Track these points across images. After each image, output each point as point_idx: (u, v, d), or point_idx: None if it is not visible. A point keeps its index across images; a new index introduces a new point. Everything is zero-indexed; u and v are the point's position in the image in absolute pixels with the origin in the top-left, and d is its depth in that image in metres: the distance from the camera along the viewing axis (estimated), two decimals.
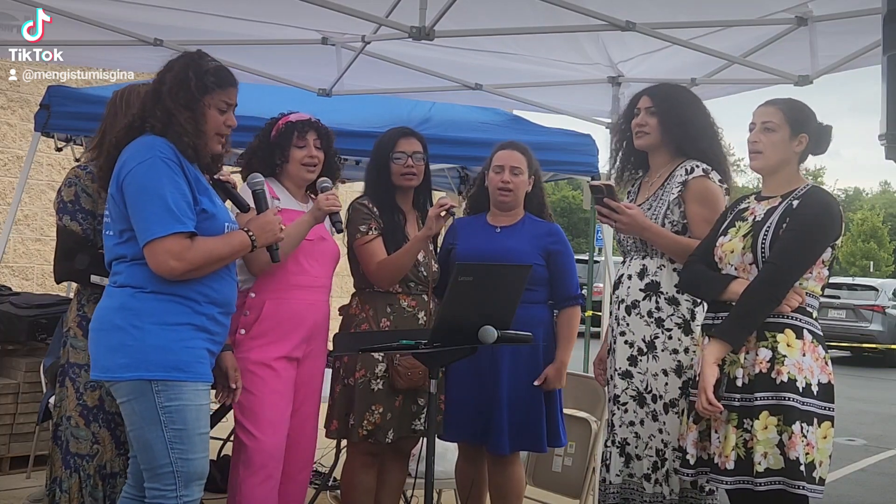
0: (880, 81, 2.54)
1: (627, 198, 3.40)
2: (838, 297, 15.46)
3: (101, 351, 2.45)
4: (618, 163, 3.41)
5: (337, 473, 3.99)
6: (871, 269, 35.98)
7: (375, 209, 3.39)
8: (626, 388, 3.12)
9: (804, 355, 2.61)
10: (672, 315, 3.07)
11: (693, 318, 3.06)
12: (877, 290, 15.71)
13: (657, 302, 3.09)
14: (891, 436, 8.19)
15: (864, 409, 9.69)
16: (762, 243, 2.67)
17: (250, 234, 2.58)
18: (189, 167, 2.49)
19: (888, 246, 39.08)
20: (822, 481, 2.60)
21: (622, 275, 3.23)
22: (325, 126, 3.35)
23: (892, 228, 41.09)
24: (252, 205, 2.85)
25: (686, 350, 3.03)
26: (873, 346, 14.78)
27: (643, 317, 3.10)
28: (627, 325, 3.14)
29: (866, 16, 3.40)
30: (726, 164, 3.20)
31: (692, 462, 2.72)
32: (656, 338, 3.07)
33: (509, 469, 3.51)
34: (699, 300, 3.08)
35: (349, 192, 9.83)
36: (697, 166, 3.10)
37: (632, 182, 3.41)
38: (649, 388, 3.07)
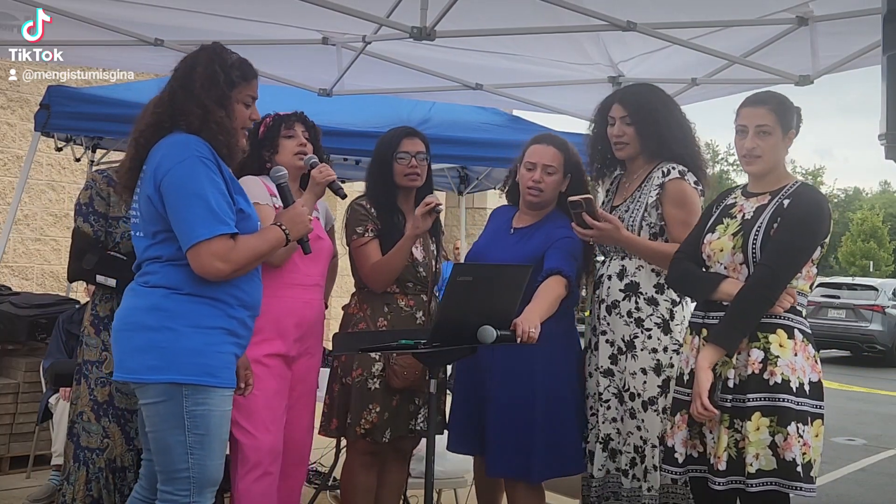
0: (880, 81, 2.53)
1: (605, 196, 3.42)
2: (838, 297, 15.46)
3: (128, 351, 2.39)
4: (596, 165, 3.40)
5: (337, 473, 4.00)
6: (871, 269, 35.97)
7: (373, 210, 3.36)
8: (609, 386, 3.17)
9: (796, 355, 2.61)
10: (651, 315, 3.11)
11: (672, 317, 3.11)
12: (877, 290, 15.68)
13: (636, 302, 3.13)
14: (891, 436, 8.19)
15: (864, 409, 9.69)
16: (753, 243, 2.67)
17: (283, 227, 2.54)
18: (224, 166, 2.45)
19: (888, 246, 39.07)
20: (814, 480, 2.61)
21: (602, 275, 3.25)
22: (311, 121, 3.34)
23: (892, 228, 41.07)
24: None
25: (665, 349, 3.07)
26: (873, 345, 14.78)
27: (623, 316, 3.15)
28: (608, 324, 3.18)
29: (866, 16, 3.40)
30: (702, 164, 3.22)
31: (680, 461, 2.73)
32: (636, 337, 3.11)
33: (518, 489, 3.21)
34: (678, 300, 3.11)
35: (349, 191, 9.84)
36: (673, 168, 3.13)
37: (609, 180, 3.42)
38: (627, 387, 3.12)
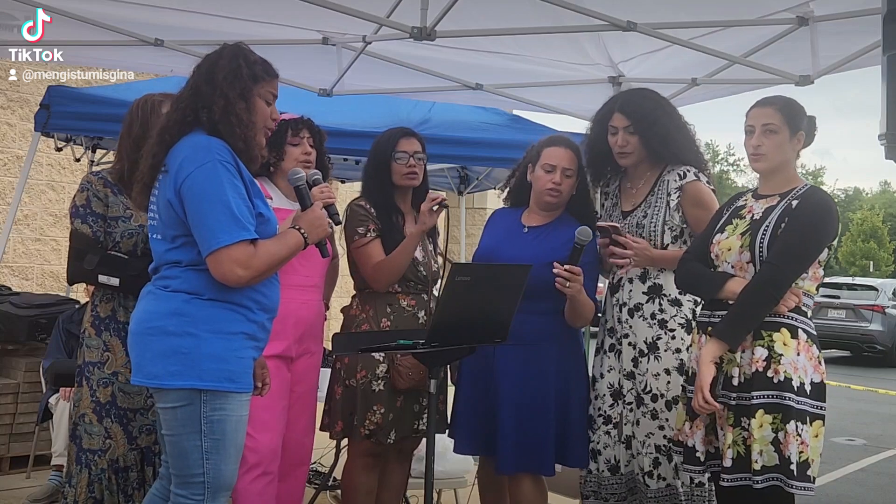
0: (880, 81, 2.53)
1: (608, 201, 3.42)
2: (838, 297, 15.45)
3: (148, 356, 2.36)
4: (593, 171, 3.40)
5: (337, 473, 4.00)
6: (871, 269, 35.96)
7: (373, 210, 3.36)
8: (631, 389, 3.19)
9: (798, 355, 2.63)
10: (675, 316, 3.14)
11: (695, 317, 3.11)
12: (877, 290, 15.68)
13: (660, 304, 3.14)
14: (891, 436, 8.18)
15: (864, 409, 9.69)
16: (760, 242, 2.69)
17: (302, 231, 2.52)
18: (244, 169, 2.42)
19: (888, 246, 39.06)
20: (813, 479, 2.62)
21: (621, 278, 3.24)
22: (317, 125, 3.35)
23: (892, 228, 41.06)
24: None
25: (688, 349, 3.07)
26: (873, 345, 14.78)
27: (646, 319, 3.16)
28: (630, 327, 3.18)
29: (866, 16, 3.40)
30: (703, 165, 3.24)
31: (702, 459, 2.74)
32: (659, 339, 3.12)
33: (524, 485, 3.25)
34: (700, 300, 3.10)
35: (349, 191, 9.85)
36: (689, 171, 3.16)
37: (605, 184, 3.42)
38: (648, 388, 3.13)
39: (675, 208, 3.14)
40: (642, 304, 3.17)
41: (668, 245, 3.14)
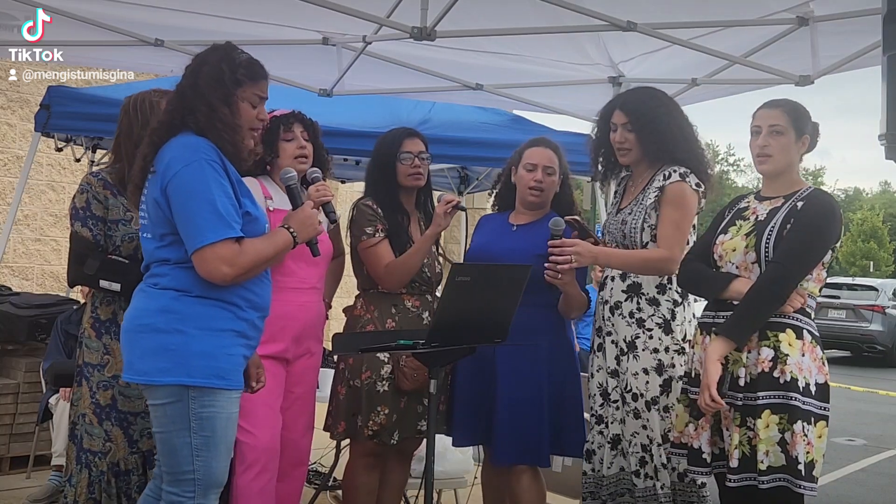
0: (880, 81, 2.54)
1: (614, 198, 3.43)
2: (838, 297, 15.46)
3: (138, 353, 2.38)
4: (601, 168, 3.42)
5: (337, 473, 4.00)
6: (871, 269, 35.99)
7: (380, 210, 3.36)
8: (616, 387, 3.19)
9: (803, 355, 2.64)
10: (653, 315, 3.13)
11: (673, 317, 3.12)
12: (877, 290, 15.70)
13: (638, 303, 3.15)
14: (891, 436, 8.19)
15: (864, 409, 9.69)
16: (766, 243, 2.70)
17: (291, 230, 2.53)
18: (231, 168, 2.44)
19: (888, 246, 39.09)
20: (816, 480, 2.63)
21: (606, 276, 3.28)
22: (309, 118, 3.34)
23: (892, 228, 41.09)
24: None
25: (667, 349, 3.09)
26: (873, 346, 14.79)
27: (625, 317, 3.16)
28: (612, 325, 3.20)
29: (866, 16, 3.40)
30: (705, 166, 3.22)
31: (709, 460, 2.75)
32: (637, 338, 3.13)
33: (523, 479, 3.29)
34: (679, 300, 3.13)
35: (350, 191, 9.85)
36: (675, 171, 3.13)
37: (617, 181, 3.44)
38: (629, 388, 3.13)
39: (653, 206, 3.13)
40: (622, 303, 3.17)
41: (647, 243, 3.15)
